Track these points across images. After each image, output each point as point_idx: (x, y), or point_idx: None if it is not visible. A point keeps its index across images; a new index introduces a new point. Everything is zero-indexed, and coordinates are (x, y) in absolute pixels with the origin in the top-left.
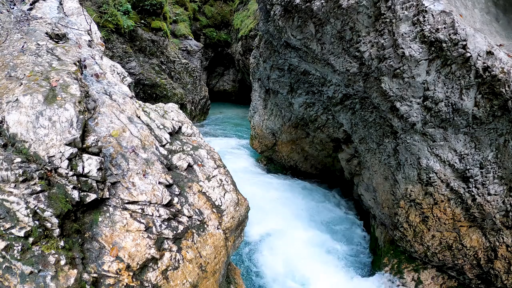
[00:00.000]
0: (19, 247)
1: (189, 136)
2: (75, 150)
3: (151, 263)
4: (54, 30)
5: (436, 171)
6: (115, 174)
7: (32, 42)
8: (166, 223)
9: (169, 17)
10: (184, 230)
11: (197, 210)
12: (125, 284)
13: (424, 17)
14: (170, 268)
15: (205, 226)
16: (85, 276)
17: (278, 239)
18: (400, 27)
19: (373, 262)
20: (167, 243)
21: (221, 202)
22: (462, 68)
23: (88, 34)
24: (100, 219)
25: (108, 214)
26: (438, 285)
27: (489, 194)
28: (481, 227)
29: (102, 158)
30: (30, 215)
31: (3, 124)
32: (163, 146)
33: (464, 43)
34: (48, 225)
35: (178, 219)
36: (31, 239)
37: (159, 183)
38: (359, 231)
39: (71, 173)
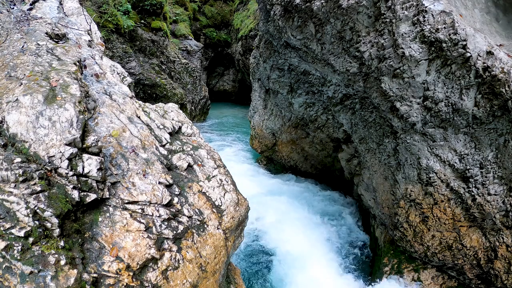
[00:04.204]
0: (19, 247)
1: (189, 136)
2: (75, 150)
3: (151, 263)
4: (54, 30)
5: (436, 171)
6: (115, 174)
7: (32, 42)
8: (166, 223)
9: (169, 17)
10: (184, 230)
11: (197, 210)
12: (125, 284)
13: (424, 17)
14: (170, 268)
15: (205, 226)
16: (85, 276)
17: (276, 238)
18: (400, 27)
19: (372, 263)
20: (167, 243)
21: (221, 202)
22: (462, 68)
23: (88, 34)
24: (100, 219)
25: (108, 214)
26: (438, 285)
27: (489, 194)
28: (481, 227)
29: (102, 158)
30: (30, 215)
31: (3, 124)
32: (163, 146)
33: (464, 43)
34: (48, 225)
35: (178, 219)
36: (31, 239)
37: (159, 183)
38: (359, 231)
39: (71, 173)
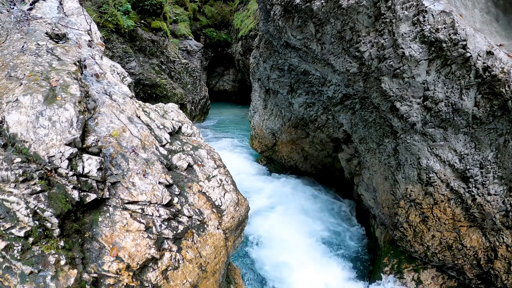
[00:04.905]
0: (19, 247)
1: (189, 136)
2: (75, 150)
3: (151, 263)
4: (54, 30)
5: (436, 171)
6: (115, 174)
7: (32, 42)
8: (166, 223)
9: (169, 17)
10: (184, 230)
11: (197, 210)
12: (125, 284)
13: (424, 17)
14: (170, 268)
15: (205, 226)
16: (85, 276)
17: (276, 237)
18: (400, 27)
19: (372, 263)
20: (167, 243)
21: (221, 202)
22: (462, 68)
23: (88, 34)
24: (100, 219)
25: (108, 214)
26: (438, 285)
27: (489, 194)
28: (481, 227)
29: (102, 158)
30: (30, 215)
31: (3, 124)
32: (163, 146)
33: (464, 43)
34: (48, 225)
35: (178, 219)
36: (31, 239)
37: (159, 183)
38: (359, 231)
39: (71, 173)
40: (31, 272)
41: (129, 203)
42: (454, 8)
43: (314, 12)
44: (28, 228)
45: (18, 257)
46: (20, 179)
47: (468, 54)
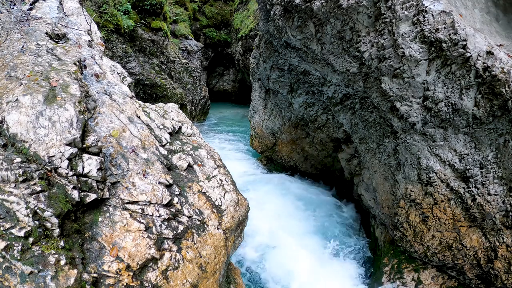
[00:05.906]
0: (19, 247)
1: (189, 136)
2: (75, 150)
3: (151, 263)
4: (54, 30)
5: (436, 171)
6: (115, 174)
7: (32, 42)
8: (166, 223)
9: (169, 17)
10: (184, 230)
11: (197, 210)
12: (125, 284)
13: (424, 17)
14: (170, 268)
15: (205, 226)
16: (85, 276)
17: (276, 238)
18: (400, 27)
19: (373, 263)
20: (167, 243)
21: (221, 202)
22: (462, 68)
23: (88, 34)
24: (100, 219)
25: (108, 214)
26: (438, 285)
27: (489, 194)
28: (481, 227)
29: (102, 158)
30: (30, 215)
31: (3, 124)
32: (163, 146)
33: (464, 43)
34: (48, 225)
35: (178, 219)
36: (31, 239)
37: (159, 183)
38: (358, 231)
39: (71, 173)
40: (31, 272)
41: (129, 203)
42: (454, 8)
43: (314, 12)
44: (28, 228)
45: (18, 257)
46: (20, 179)
47: (468, 54)
